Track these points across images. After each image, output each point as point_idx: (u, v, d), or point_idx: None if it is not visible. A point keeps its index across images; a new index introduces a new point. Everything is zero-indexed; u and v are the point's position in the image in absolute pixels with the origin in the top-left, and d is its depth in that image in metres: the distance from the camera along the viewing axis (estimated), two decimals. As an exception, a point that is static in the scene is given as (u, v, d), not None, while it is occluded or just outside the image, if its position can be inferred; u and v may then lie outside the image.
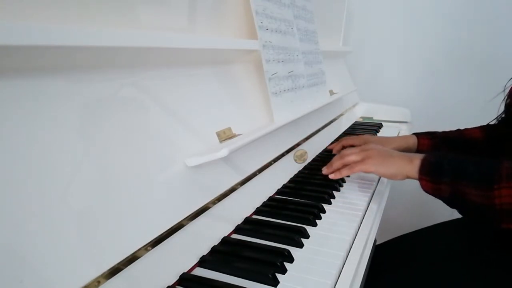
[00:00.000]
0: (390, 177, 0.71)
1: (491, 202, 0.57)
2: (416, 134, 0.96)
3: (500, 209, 0.56)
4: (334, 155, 0.96)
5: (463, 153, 0.90)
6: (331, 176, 0.77)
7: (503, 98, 0.86)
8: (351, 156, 0.75)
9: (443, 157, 0.65)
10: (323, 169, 0.80)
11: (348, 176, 0.83)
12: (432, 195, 0.65)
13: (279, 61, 0.79)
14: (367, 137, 0.99)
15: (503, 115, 0.87)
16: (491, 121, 0.92)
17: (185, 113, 0.57)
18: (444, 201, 0.65)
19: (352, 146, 0.97)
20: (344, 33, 1.61)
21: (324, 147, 1.05)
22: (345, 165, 0.76)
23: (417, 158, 0.67)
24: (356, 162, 0.73)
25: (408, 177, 0.69)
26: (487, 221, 0.64)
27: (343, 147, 0.99)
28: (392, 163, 0.70)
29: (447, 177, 0.62)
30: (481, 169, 0.60)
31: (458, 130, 0.95)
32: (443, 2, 1.62)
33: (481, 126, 0.93)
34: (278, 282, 0.47)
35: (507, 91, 0.85)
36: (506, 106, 0.84)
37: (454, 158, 0.65)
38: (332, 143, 1.11)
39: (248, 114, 0.74)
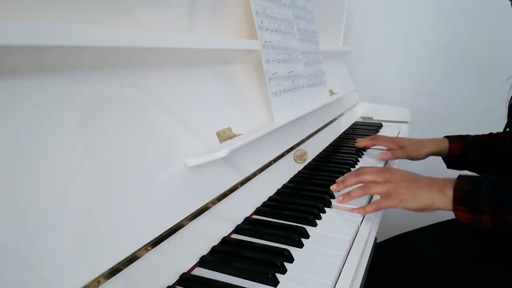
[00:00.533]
0: (418, 211, 0.64)
1: None
2: (448, 137, 0.96)
3: None
4: (334, 153, 0.96)
5: (494, 157, 0.90)
6: (355, 211, 0.66)
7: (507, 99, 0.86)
8: (376, 187, 0.66)
9: (479, 184, 0.60)
10: (338, 196, 0.70)
11: None
12: (471, 225, 0.60)
13: (279, 61, 0.79)
14: (399, 140, 0.98)
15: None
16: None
17: (185, 113, 0.57)
18: (485, 229, 0.60)
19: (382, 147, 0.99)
20: (344, 33, 1.61)
21: (324, 147, 1.05)
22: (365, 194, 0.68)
23: (449, 188, 0.61)
24: (382, 198, 0.65)
25: (439, 209, 0.63)
26: None
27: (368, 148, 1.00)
28: (421, 196, 0.62)
29: (487, 207, 0.57)
30: None
31: (491, 133, 0.95)
32: (443, 2, 1.62)
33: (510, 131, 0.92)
34: (278, 282, 0.47)
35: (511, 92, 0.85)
36: (509, 107, 0.84)
37: (491, 182, 0.59)
38: (332, 143, 1.11)
39: (248, 114, 0.74)
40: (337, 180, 0.73)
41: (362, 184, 0.69)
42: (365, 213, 0.66)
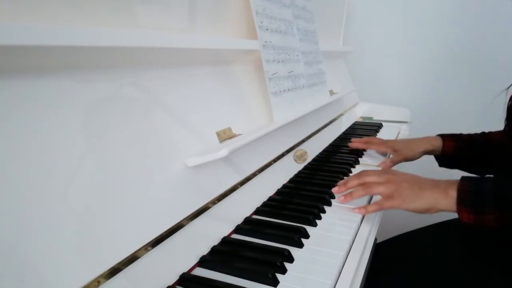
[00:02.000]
0: (420, 213, 0.64)
1: None
2: (441, 135, 0.96)
3: None
4: (334, 153, 0.96)
5: (487, 157, 0.90)
6: (356, 212, 0.66)
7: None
8: (378, 188, 0.66)
9: (482, 184, 0.59)
10: (340, 196, 0.70)
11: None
12: (475, 227, 0.60)
13: (279, 61, 0.79)
14: (392, 143, 0.99)
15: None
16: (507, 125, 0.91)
17: (185, 113, 0.57)
18: (490, 230, 0.61)
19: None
20: (344, 33, 1.61)
21: (324, 147, 1.05)
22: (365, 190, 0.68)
23: (453, 189, 0.60)
24: (385, 198, 0.65)
25: (441, 210, 0.63)
26: None
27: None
28: (424, 197, 0.62)
29: (492, 206, 0.57)
30: None
31: (483, 133, 0.95)
32: (443, 2, 1.62)
33: (504, 130, 0.91)
34: (278, 282, 0.47)
35: (510, 93, 0.85)
36: (508, 108, 0.84)
37: (494, 183, 0.59)
38: (332, 143, 1.11)
39: (248, 114, 0.74)
40: (338, 183, 0.73)
41: None
42: (366, 212, 0.66)
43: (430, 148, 0.94)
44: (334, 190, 0.72)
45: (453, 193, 0.60)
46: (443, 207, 0.61)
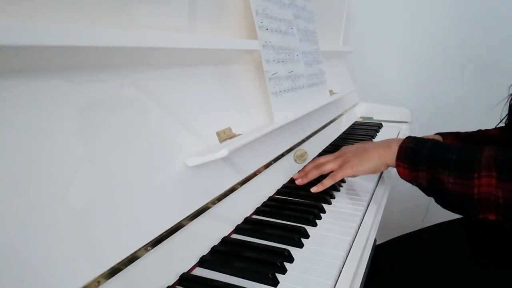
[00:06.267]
0: (373, 171, 0.68)
1: (470, 191, 0.55)
2: (441, 134, 0.95)
3: (478, 198, 0.54)
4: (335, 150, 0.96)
5: None
6: (314, 190, 0.71)
7: (506, 99, 0.86)
8: (328, 164, 0.72)
9: (423, 143, 0.62)
10: (297, 179, 0.75)
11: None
12: (410, 183, 0.63)
13: (279, 61, 0.79)
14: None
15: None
16: (500, 122, 0.91)
17: (185, 113, 0.57)
18: (422, 190, 0.63)
19: None
20: (344, 33, 1.61)
21: (324, 147, 1.05)
22: (321, 174, 0.73)
23: (395, 144, 0.64)
24: (336, 170, 0.70)
25: (388, 165, 0.66)
26: (464, 211, 0.60)
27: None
28: (369, 157, 0.67)
29: (425, 164, 0.59)
30: (461, 157, 0.57)
31: (479, 130, 0.95)
32: (444, 2, 1.62)
33: (501, 127, 0.92)
34: (278, 282, 0.47)
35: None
36: (510, 106, 0.84)
37: (435, 144, 0.61)
38: (332, 143, 1.11)
39: (248, 114, 0.74)
40: (299, 173, 0.77)
41: None
42: (323, 187, 0.70)
43: None
44: (294, 176, 0.77)
45: (395, 148, 0.64)
46: (387, 161, 0.65)
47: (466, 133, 0.95)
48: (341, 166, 0.70)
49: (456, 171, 0.56)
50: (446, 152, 0.59)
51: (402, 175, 0.63)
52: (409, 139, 0.64)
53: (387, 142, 0.66)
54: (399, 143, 0.64)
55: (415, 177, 0.61)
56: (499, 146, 0.86)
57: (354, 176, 0.71)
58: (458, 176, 0.56)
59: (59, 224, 0.35)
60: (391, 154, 0.64)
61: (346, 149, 0.73)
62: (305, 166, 0.76)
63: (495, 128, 0.92)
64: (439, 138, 0.94)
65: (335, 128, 1.22)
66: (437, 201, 0.63)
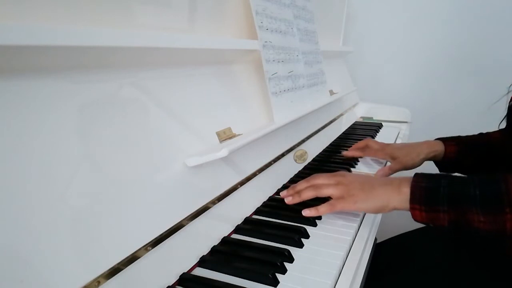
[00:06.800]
0: (376, 212, 0.63)
1: (501, 228, 0.51)
2: (442, 139, 0.92)
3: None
4: (334, 153, 0.96)
5: (488, 158, 0.87)
6: (307, 213, 0.63)
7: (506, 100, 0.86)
8: (328, 189, 0.64)
9: (437, 180, 0.58)
10: (286, 197, 0.67)
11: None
12: (427, 224, 0.58)
13: (279, 61, 0.79)
14: (390, 149, 0.93)
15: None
16: (500, 123, 0.91)
17: (185, 113, 0.57)
18: (443, 229, 0.58)
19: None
20: (344, 33, 1.61)
21: (324, 147, 1.05)
22: (317, 196, 0.65)
23: (406, 186, 0.59)
24: (336, 198, 0.63)
25: (395, 209, 0.61)
26: (494, 248, 0.56)
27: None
28: (376, 197, 0.60)
29: (445, 204, 0.55)
30: (486, 191, 0.53)
31: (481, 134, 0.93)
32: (443, 3, 1.62)
33: (501, 129, 0.90)
34: (278, 282, 0.47)
35: (511, 93, 0.84)
36: (509, 108, 0.84)
37: (450, 180, 0.57)
38: (332, 143, 1.11)
39: (248, 114, 0.74)
40: (288, 190, 0.69)
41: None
42: (318, 213, 0.63)
43: (432, 154, 0.90)
44: (282, 193, 0.69)
45: (406, 190, 0.58)
46: (396, 204, 0.59)
47: (467, 137, 0.93)
48: (342, 197, 0.62)
49: (485, 208, 0.52)
50: (467, 187, 0.55)
51: (417, 218, 0.58)
52: (419, 177, 0.59)
53: (394, 184, 0.60)
54: (409, 184, 0.59)
55: (434, 219, 0.56)
56: (501, 150, 0.86)
57: (354, 211, 0.65)
58: (487, 213, 0.52)
59: (59, 224, 0.35)
60: (402, 197, 0.59)
61: (348, 178, 0.65)
62: (297, 184, 0.69)
63: (496, 131, 0.92)
64: (441, 144, 0.91)
65: (335, 128, 1.22)
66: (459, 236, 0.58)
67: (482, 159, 0.89)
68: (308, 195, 0.65)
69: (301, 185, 0.68)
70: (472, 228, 0.53)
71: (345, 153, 0.99)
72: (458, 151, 0.90)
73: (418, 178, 0.59)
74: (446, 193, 0.55)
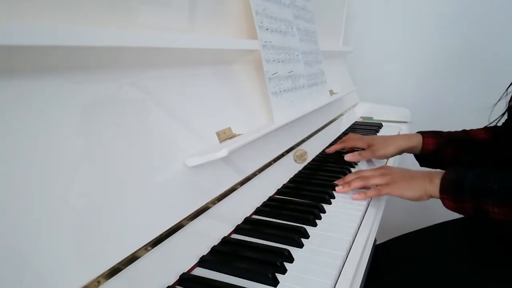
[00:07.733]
0: (416, 199, 0.70)
1: None
2: (421, 132, 0.93)
3: None
4: (334, 153, 0.96)
5: (469, 154, 0.89)
6: (356, 197, 0.73)
7: (506, 99, 0.86)
8: (374, 179, 0.73)
9: (464, 174, 0.65)
10: (338, 186, 0.76)
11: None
12: (457, 212, 0.66)
13: (279, 61, 0.79)
14: (369, 138, 0.96)
15: (506, 116, 0.86)
16: (491, 122, 0.91)
17: (185, 113, 0.57)
18: (470, 218, 0.66)
19: (355, 149, 0.97)
20: (344, 33, 1.61)
21: (324, 147, 1.05)
22: (365, 186, 0.74)
23: (437, 177, 0.67)
24: (382, 185, 0.71)
25: (432, 197, 0.68)
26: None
27: (344, 150, 0.99)
28: (416, 186, 0.69)
29: (469, 196, 0.62)
30: (505, 186, 0.60)
31: (464, 130, 0.93)
32: (443, 3, 1.62)
33: (486, 127, 0.91)
34: (278, 282, 0.47)
35: (510, 93, 0.85)
36: (509, 107, 0.84)
37: (475, 174, 0.64)
38: (332, 143, 1.11)
39: (248, 114, 0.74)
40: (338, 182, 0.78)
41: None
42: (366, 197, 0.72)
43: (409, 144, 0.91)
44: (337, 182, 0.78)
45: (437, 181, 0.67)
46: (432, 193, 0.67)
47: (449, 132, 0.93)
48: (388, 184, 0.71)
49: (500, 200, 0.59)
50: (488, 182, 0.62)
51: (448, 207, 0.66)
52: (450, 170, 0.67)
53: (430, 174, 0.69)
54: (440, 176, 0.67)
55: (461, 209, 0.64)
56: (485, 147, 0.87)
57: (397, 196, 0.72)
58: (503, 205, 0.59)
59: (59, 224, 0.35)
60: (434, 187, 0.67)
61: (391, 169, 0.75)
62: (347, 176, 0.78)
63: (481, 129, 0.91)
64: (419, 137, 0.92)
65: (335, 128, 1.22)
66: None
67: (461, 152, 0.89)
68: (356, 185, 0.74)
69: (350, 176, 0.77)
70: (491, 219, 0.60)
71: (328, 150, 1.00)
72: (435, 143, 0.91)
73: (449, 171, 0.67)
74: (469, 186, 0.63)
